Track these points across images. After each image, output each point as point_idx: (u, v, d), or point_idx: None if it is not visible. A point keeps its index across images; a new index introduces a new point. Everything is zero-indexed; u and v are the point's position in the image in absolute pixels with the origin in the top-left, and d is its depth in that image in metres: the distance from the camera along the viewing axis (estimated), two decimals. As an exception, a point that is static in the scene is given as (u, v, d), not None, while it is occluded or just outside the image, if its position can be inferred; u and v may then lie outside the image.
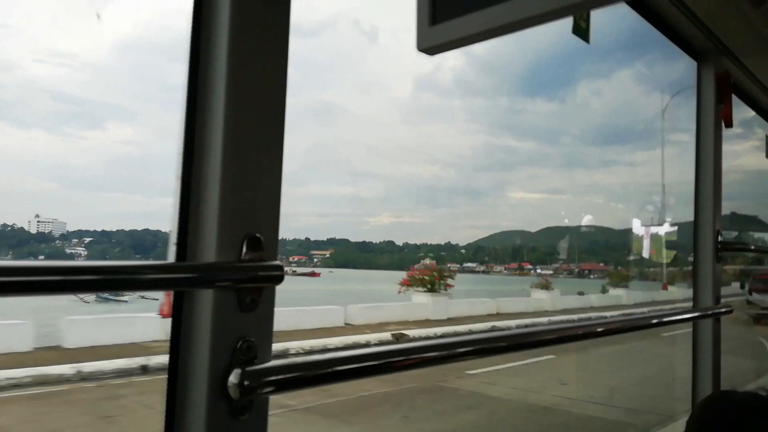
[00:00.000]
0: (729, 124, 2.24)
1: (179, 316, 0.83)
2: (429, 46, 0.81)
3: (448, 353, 1.09)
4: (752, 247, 2.49)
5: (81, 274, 0.67)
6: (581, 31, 1.61)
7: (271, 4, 0.86)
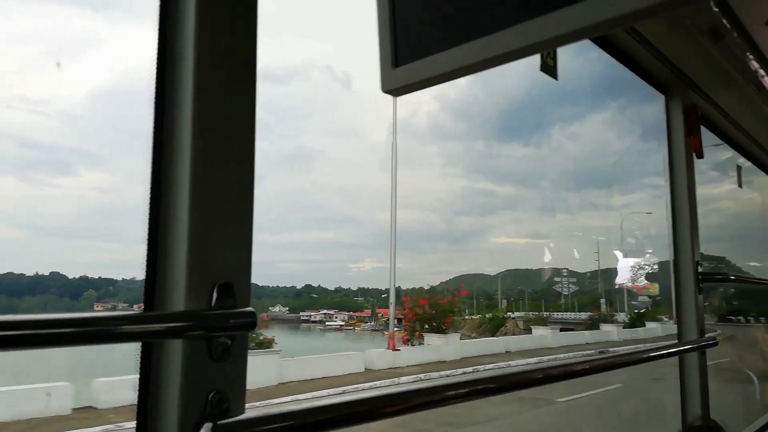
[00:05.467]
0: (700, 155, 2.29)
1: (148, 366, 0.79)
2: (393, 87, 0.83)
3: (437, 397, 1.06)
4: (732, 277, 2.50)
5: (41, 327, 0.64)
6: (549, 68, 1.65)
7: (238, 51, 0.86)
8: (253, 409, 0.81)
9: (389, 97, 0.86)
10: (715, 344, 2.15)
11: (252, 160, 0.87)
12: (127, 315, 0.73)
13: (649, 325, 34.67)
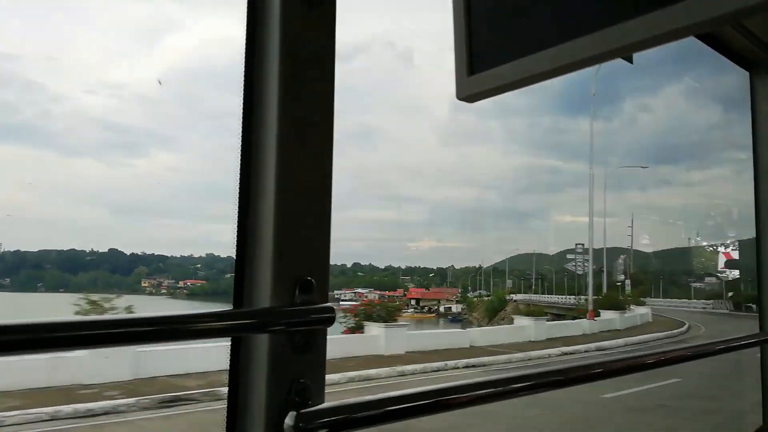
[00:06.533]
0: None
1: (237, 358, 0.85)
2: (468, 94, 0.84)
3: (503, 389, 1.08)
4: None
5: (139, 326, 0.70)
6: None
7: (319, 65, 0.89)
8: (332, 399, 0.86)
9: (451, 73, 0.86)
10: None
11: (330, 161, 0.91)
12: (218, 312, 0.79)
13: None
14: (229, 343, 0.85)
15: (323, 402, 0.85)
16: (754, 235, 2.12)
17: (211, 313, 0.76)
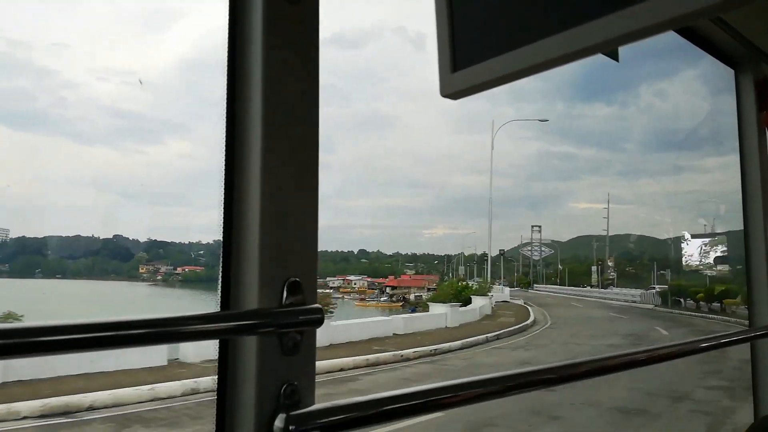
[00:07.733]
0: None
1: (225, 361, 0.85)
2: (451, 92, 0.84)
3: (498, 388, 1.09)
4: None
5: (126, 329, 0.69)
6: (611, 51, 1.59)
7: (303, 59, 0.88)
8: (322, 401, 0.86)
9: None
10: None
11: (316, 158, 0.90)
12: (204, 315, 0.78)
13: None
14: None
15: (314, 404, 0.85)
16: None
17: (198, 315, 0.76)
